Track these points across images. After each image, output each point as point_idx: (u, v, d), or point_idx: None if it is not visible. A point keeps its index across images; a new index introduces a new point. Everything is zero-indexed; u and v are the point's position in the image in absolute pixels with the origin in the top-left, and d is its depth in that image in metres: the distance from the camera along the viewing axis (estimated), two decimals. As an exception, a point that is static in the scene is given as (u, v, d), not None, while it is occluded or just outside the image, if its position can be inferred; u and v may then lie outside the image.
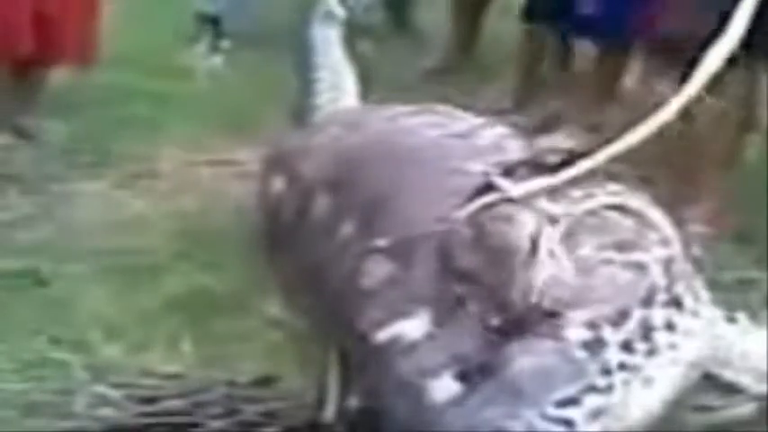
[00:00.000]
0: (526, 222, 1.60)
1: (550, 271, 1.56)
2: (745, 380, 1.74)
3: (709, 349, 1.68)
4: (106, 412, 1.88)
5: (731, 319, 1.76)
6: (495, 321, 1.55)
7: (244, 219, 2.48)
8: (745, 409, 1.77)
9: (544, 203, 1.63)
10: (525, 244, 1.58)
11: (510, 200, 1.63)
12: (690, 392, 1.65)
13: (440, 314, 1.62)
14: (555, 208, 1.63)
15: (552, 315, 1.54)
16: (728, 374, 1.73)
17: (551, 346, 1.54)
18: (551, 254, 1.57)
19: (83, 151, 3.06)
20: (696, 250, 1.83)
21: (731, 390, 1.73)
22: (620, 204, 1.71)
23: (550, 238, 1.59)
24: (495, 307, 1.56)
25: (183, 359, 2.03)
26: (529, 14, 3.36)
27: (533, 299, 1.53)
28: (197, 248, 2.46)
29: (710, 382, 1.71)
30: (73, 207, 2.80)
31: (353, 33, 2.71)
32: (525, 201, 1.63)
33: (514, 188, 1.65)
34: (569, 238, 1.64)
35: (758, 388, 1.74)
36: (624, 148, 1.71)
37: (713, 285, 1.81)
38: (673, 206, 1.82)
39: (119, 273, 2.38)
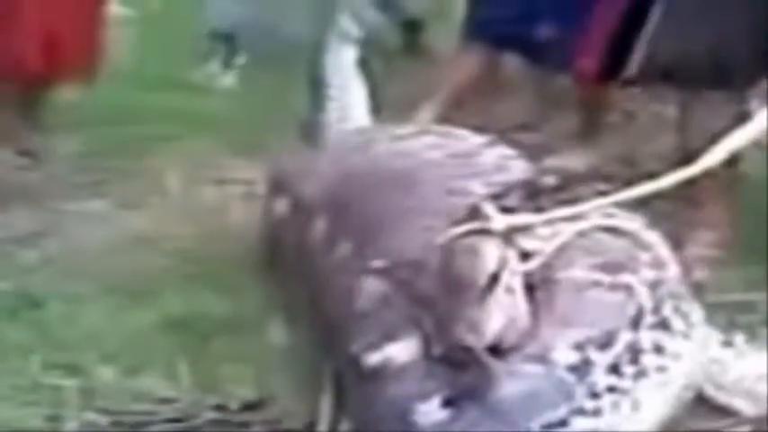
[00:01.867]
0: (490, 257, 1.64)
1: (504, 309, 1.61)
2: (739, 403, 1.78)
3: (703, 372, 1.72)
4: (94, 436, 1.95)
5: (727, 343, 1.80)
6: (437, 351, 1.61)
7: (247, 239, 2.57)
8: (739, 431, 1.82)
9: (521, 238, 1.70)
10: (483, 279, 1.63)
11: (486, 231, 1.69)
12: (682, 415, 1.70)
13: (427, 338, 1.68)
14: (531, 243, 1.68)
15: (498, 353, 1.58)
16: (723, 397, 1.77)
17: (538, 369, 1.59)
18: (509, 291, 1.62)
19: (88, 169, 3.14)
20: (697, 273, 1.89)
21: (726, 413, 1.77)
22: (613, 226, 1.77)
23: (514, 273, 1.64)
24: (440, 337, 1.61)
25: (177, 382, 2.10)
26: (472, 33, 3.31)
27: (479, 335, 1.59)
28: (197, 270, 2.54)
29: (705, 404, 1.76)
30: (75, 226, 2.87)
31: (366, 52, 2.80)
32: (503, 233, 1.68)
33: (498, 219, 1.71)
34: (560, 259, 1.70)
35: (752, 411, 1.79)
36: (643, 193, 1.76)
37: (713, 307, 1.87)
38: (675, 229, 1.87)
39: (116, 293, 2.45)
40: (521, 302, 1.62)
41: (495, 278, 1.64)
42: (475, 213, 1.73)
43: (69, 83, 3.23)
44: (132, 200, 3.02)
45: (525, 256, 1.69)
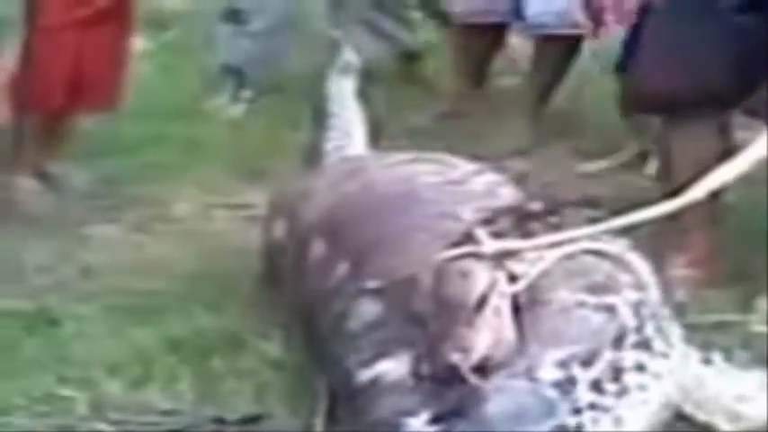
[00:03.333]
0: (479, 279, 1.65)
1: (491, 329, 1.59)
2: (718, 420, 1.75)
3: (682, 390, 1.70)
4: (100, 446, 1.94)
5: (707, 361, 1.77)
6: (425, 370, 1.58)
7: (248, 262, 2.55)
8: (717, 450, 1.78)
9: (509, 262, 1.67)
10: (473, 300, 1.62)
11: (478, 254, 1.67)
12: (662, 432, 1.67)
13: (417, 355, 1.66)
14: (519, 267, 1.67)
15: (484, 371, 1.56)
16: (702, 415, 1.74)
17: (524, 386, 1.57)
18: (497, 312, 1.61)
19: (102, 196, 3.14)
20: (678, 295, 1.86)
21: (705, 430, 1.73)
22: (597, 249, 1.74)
23: (502, 295, 1.62)
24: (429, 355, 1.59)
25: (179, 396, 2.08)
26: None
27: (467, 354, 1.56)
28: (200, 290, 2.52)
29: (685, 422, 1.72)
30: (89, 250, 2.87)
31: (366, 83, 2.79)
32: (492, 257, 1.67)
33: (488, 243, 1.69)
34: (546, 280, 1.68)
35: (731, 428, 1.75)
36: (646, 219, 1.74)
37: (693, 328, 1.83)
38: (657, 252, 1.85)
39: (126, 313, 2.45)
40: (507, 323, 1.61)
41: (483, 299, 1.62)
42: (467, 237, 1.71)
43: (91, 114, 3.23)
44: (142, 225, 3.02)
45: (513, 278, 1.67)
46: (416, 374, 1.59)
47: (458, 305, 1.64)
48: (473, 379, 1.54)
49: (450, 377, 1.56)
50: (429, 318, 1.63)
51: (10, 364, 2.25)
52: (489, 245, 1.69)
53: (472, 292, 1.64)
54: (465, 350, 1.57)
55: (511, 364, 1.57)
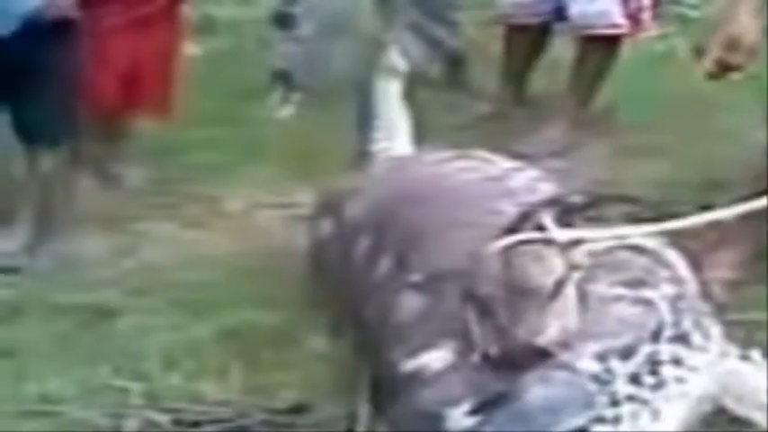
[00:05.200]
0: (556, 266, 1.61)
1: (560, 316, 1.56)
2: (757, 416, 1.72)
3: (720, 385, 1.67)
4: (154, 432, 1.96)
5: (745, 357, 1.74)
6: (493, 353, 1.56)
7: (296, 257, 2.56)
8: (755, 443, 1.74)
9: (572, 251, 1.64)
10: (548, 287, 1.59)
11: (548, 241, 1.65)
12: (700, 426, 1.63)
13: (462, 346, 1.64)
14: (579, 256, 1.64)
15: (547, 355, 1.54)
16: (741, 410, 1.71)
17: (563, 378, 1.55)
18: (567, 298, 1.58)
19: (158, 194, 3.18)
20: (717, 292, 1.82)
21: (744, 425, 1.70)
22: (635, 244, 1.72)
23: (573, 283, 1.60)
24: (497, 340, 1.57)
25: (230, 386, 2.10)
26: None
27: (538, 341, 1.54)
28: (251, 285, 2.54)
29: (723, 417, 1.69)
30: (146, 245, 2.91)
31: (411, 86, 2.78)
32: (562, 245, 1.64)
33: (559, 233, 1.66)
34: (587, 275, 1.65)
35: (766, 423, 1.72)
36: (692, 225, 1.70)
37: (733, 325, 1.80)
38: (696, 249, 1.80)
39: (180, 307, 2.48)
40: (573, 311, 1.57)
41: (559, 285, 1.58)
42: (529, 223, 1.68)
43: (146, 116, 3.27)
44: (196, 222, 3.05)
45: (573, 266, 1.63)
46: (461, 364, 1.57)
47: (531, 291, 1.60)
48: (557, 351, 1.51)
49: (518, 359, 1.53)
50: (496, 303, 1.61)
51: (68, 357, 2.29)
52: (561, 234, 1.66)
53: (548, 278, 1.61)
54: (538, 334, 1.54)
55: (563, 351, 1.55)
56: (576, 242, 1.64)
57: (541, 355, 1.54)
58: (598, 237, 1.65)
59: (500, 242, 1.66)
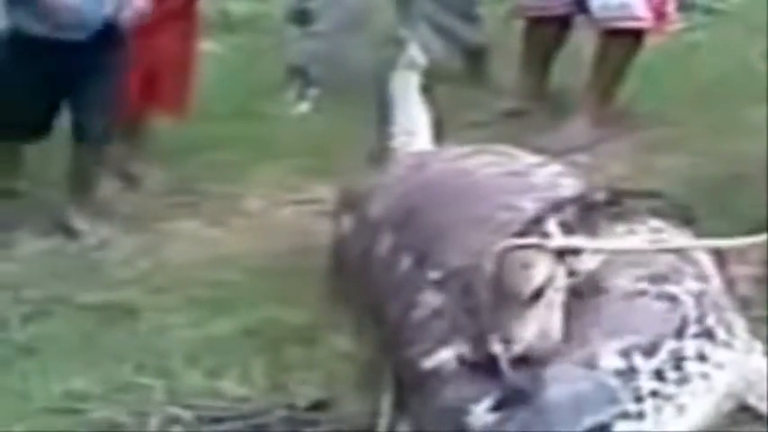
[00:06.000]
0: (539, 272, 1.62)
1: (539, 323, 1.56)
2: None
3: (745, 381, 1.66)
4: (177, 430, 1.98)
5: (769, 354, 1.73)
6: (470, 355, 1.57)
7: (317, 255, 2.57)
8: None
9: (571, 260, 1.64)
10: (528, 292, 1.60)
11: (543, 247, 1.65)
12: (724, 422, 1.62)
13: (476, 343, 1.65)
14: (579, 263, 1.64)
15: (527, 363, 1.54)
16: (765, 407, 1.69)
17: (585, 374, 1.55)
18: (549, 306, 1.58)
19: (178, 193, 3.19)
20: (743, 288, 1.81)
21: (764, 421, 1.69)
22: (661, 240, 1.71)
23: (557, 290, 1.60)
24: (476, 342, 1.57)
25: (252, 383, 2.11)
26: None
27: (510, 346, 1.54)
28: (272, 283, 2.55)
29: (747, 413, 1.68)
30: (168, 244, 2.93)
31: (430, 81, 2.78)
32: (557, 252, 1.64)
33: (556, 239, 1.66)
34: (608, 269, 1.65)
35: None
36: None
37: (759, 321, 1.78)
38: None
39: (202, 305, 2.49)
40: (557, 318, 1.58)
41: (540, 292, 1.59)
42: (537, 227, 1.68)
43: (166, 115, 3.30)
44: (216, 220, 3.07)
45: (572, 273, 1.63)
46: (461, 361, 1.58)
47: (514, 295, 1.62)
48: (509, 371, 1.53)
49: (491, 367, 1.54)
50: (484, 306, 1.62)
51: (91, 354, 2.31)
52: (556, 240, 1.66)
53: (530, 283, 1.62)
54: (509, 341, 1.56)
55: (570, 352, 1.55)
56: (575, 251, 1.64)
57: (520, 362, 1.54)
58: (594, 247, 1.64)
59: (496, 247, 1.66)
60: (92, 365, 2.24)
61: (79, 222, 2.99)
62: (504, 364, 1.54)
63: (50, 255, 2.84)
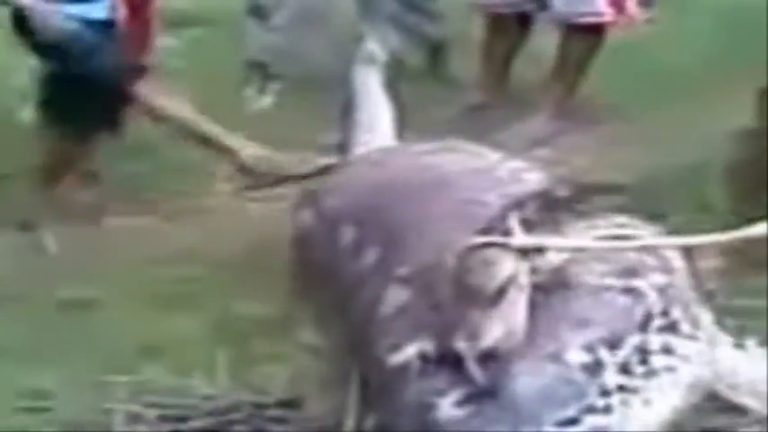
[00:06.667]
0: (502, 270, 1.62)
1: (504, 320, 1.57)
2: (752, 402, 1.72)
3: (713, 372, 1.67)
4: (141, 429, 1.95)
5: (739, 345, 1.75)
6: (432, 352, 1.57)
7: (279, 249, 2.55)
8: (751, 430, 1.75)
9: (534, 257, 1.65)
10: (491, 290, 1.60)
11: (506, 245, 1.65)
12: (694, 413, 1.64)
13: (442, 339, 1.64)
14: (542, 261, 1.64)
15: (492, 360, 1.54)
16: (736, 397, 1.71)
17: (552, 369, 1.56)
18: (513, 304, 1.58)
19: (137, 189, 3.17)
20: (707, 281, 1.83)
21: (738, 412, 1.71)
22: (624, 235, 1.72)
23: (521, 288, 1.60)
24: (438, 338, 1.57)
25: (217, 380, 2.09)
26: None
27: (474, 344, 1.54)
28: (235, 278, 2.53)
29: (718, 404, 1.70)
30: (128, 240, 2.90)
31: (392, 76, 2.77)
32: (520, 249, 1.64)
33: (518, 237, 1.66)
34: (574, 264, 1.65)
35: (764, 410, 1.73)
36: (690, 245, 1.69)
37: (726, 312, 1.80)
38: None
39: (164, 300, 2.46)
40: (521, 316, 1.58)
41: (503, 290, 1.59)
42: (499, 225, 1.68)
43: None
44: (174, 216, 3.04)
45: (535, 270, 1.64)
46: (427, 357, 1.58)
47: (477, 293, 1.62)
48: (474, 370, 1.52)
49: (456, 364, 1.54)
50: (447, 303, 1.62)
51: (51, 352, 2.27)
52: (519, 238, 1.66)
53: (493, 281, 1.62)
54: (473, 339, 1.56)
55: (536, 347, 1.55)
56: (538, 249, 1.64)
57: (485, 359, 1.53)
58: (558, 245, 1.65)
59: (459, 245, 1.66)
60: (52, 363, 2.20)
61: (37, 217, 2.97)
62: (469, 362, 1.53)
63: (7, 250, 2.80)
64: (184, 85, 3.61)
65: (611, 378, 1.56)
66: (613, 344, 1.57)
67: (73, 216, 2.99)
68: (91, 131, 3.09)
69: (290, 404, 1.98)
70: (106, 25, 3.01)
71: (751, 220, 1.66)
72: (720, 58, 3.33)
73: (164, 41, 3.50)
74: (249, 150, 3.26)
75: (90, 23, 2.99)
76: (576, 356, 1.56)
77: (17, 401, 2.10)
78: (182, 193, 3.14)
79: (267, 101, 3.86)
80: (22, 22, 2.99)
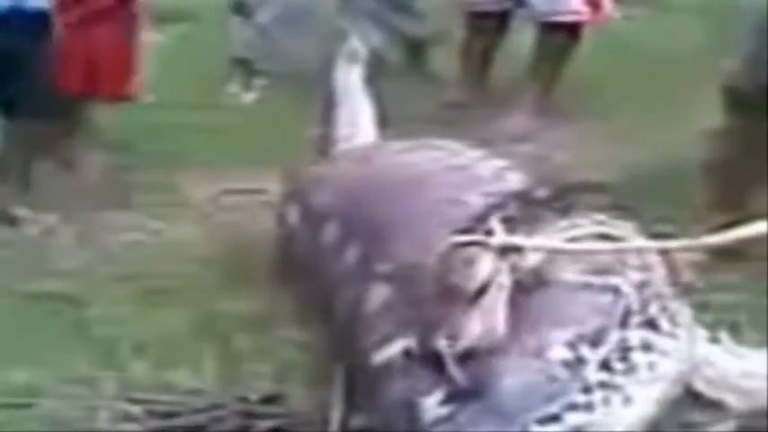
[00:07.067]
0: (483, 269, 1.62)
1: (484, 319, 1.58)
2: (727, 398, 1.75)
3: (691, 368, 1.70)
4: (128, 427, 1.95)
5: (714, 340, 1.77)
6: (415, 350, 1.58)
7: (264, 246, 2.55)
8: (727, 426, 1.78)
9: (515, 257, 1.66)
10: (472, 289, 1.61)
11: (485, 244, 1.66)
12: (672, 409, 1.66)
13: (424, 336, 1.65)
14: (522, 260, 1.65)
15: (472, 359, 1.55)
16: (712, 392, 1.74)
17: (535, 366, 1.57)
18: (493, 303, 1.59)
19: (120, 182, 3.16)
20: (685, 276, 1.85)
21: (714, 407, 1.74)
22: (603, 233, 1.74)
23: (501, 287, 1.61)
24: (420, 337, 1.58)
25: (203, 376, 2.09)
26: None
27: (455, 343, 1.55)
28: (220, 274, 2.53)
29: (694, 399, 1.72)
30: (113, 234, 2.89)
31: (373, 72, 2.78)
32: (499, 249, 1.65)
33: (498, 236, 1.67)
34: (554, 263, 1.67)
35: (740, 405, 1.75)
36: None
37: (701, 307, 1.83)
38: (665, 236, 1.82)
39: (149, 296, 2.46)
40: (501, 315, 1.59)
41: (483, 289, 1.60)
42: (480, 225, 1.69)
43: (109, 100, 3.28)
44: (158, 211, 3.03)
45: (515, 269, 1.65)
46: (410, 355, 1.59)
47: (458, 292, 1.63)
48: (454, 370, 1.53)
49: (436, 363, 1.55)
50: (428, 302, 1.63)
51: (36, 347, 2.26)
52: (498, 237, 1.68)
53: (474, 280, 1.63)
54: (453, 338, 1.57)
55: (518, 345, 1.56)
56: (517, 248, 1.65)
57: (465, 358, 1.55)
58: (532, 245, 1.66)
59: (440, 244, 1.66)
60: (37, 358, 2.19)
61: (20, 210, 2.96)
62: (449, 361, 1.55)
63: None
64: (171, 80, 3.64)
65: (593, 375, 1.57)
66: (595, 341, 1.59)
67: (56, 208, 2.98)
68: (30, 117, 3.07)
69: (275, 399, 1.98)
70: (41, 15, 3.01)
71: (728, 225, 1.68)
72: (703, 54, 3.35)
73: (150, 37, 3.48)
74: None
75: (24, 12, 2.99)
76: (559, 353, 1.57)
77: (1, 398, 2.09)
78: (170, 186, 3.13)
79: (251, 97, 3.87)
80: None
